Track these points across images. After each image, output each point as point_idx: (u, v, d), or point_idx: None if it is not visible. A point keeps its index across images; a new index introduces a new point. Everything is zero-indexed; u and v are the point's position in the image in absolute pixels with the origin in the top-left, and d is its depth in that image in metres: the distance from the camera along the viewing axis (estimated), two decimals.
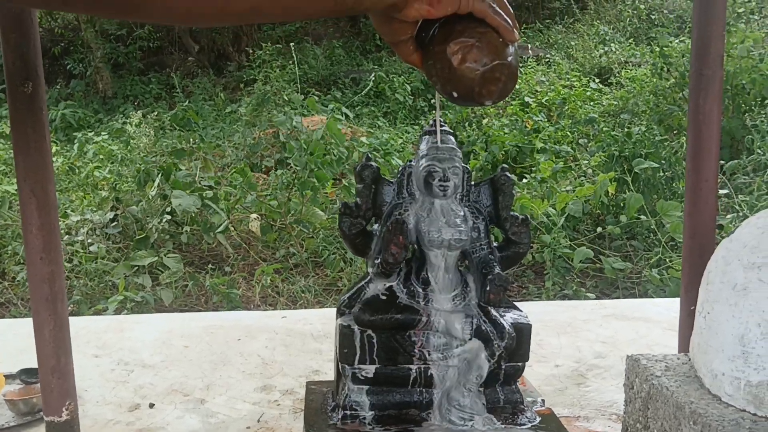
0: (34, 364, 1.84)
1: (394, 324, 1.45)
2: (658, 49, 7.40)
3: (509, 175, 1.55)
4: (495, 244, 1.55)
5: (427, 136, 1.51)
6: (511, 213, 1.55)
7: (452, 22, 0.87)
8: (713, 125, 1.71)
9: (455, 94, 0.90)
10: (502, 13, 0.88)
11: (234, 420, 2.01)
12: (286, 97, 6.82)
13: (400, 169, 1.54)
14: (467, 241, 1.48)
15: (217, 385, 2.24)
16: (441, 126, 1.50)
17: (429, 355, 1.47)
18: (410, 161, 1.54)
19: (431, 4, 0.83)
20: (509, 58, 0.89)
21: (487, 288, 1.42)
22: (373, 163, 1.51)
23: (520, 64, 9.40)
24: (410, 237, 1.47)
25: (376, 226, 1.53)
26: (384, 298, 1.47)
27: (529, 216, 1.64)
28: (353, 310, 1.47)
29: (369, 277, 1.51)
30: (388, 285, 1.48)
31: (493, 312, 1.48)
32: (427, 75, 0.93)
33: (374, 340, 1.46)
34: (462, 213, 1.49)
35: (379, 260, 1.45)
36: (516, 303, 1.66)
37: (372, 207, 1.51)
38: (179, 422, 2.00)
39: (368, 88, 9.03)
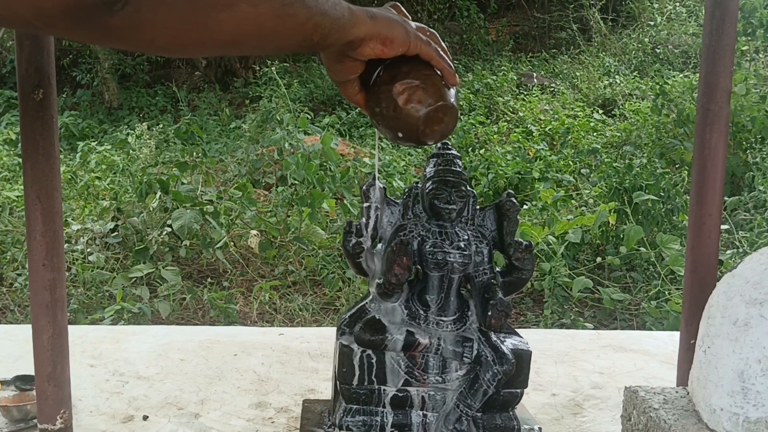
0: (30, 371, 1.83)
1: (394, 345, 1.45)
2: (658, 85, 7.45)
3: (514, 200, 1.56)
4: (498, 269, 1.56)
5: (434, 159, 1.52)
6: (515, 239, 1.55)
7: (398, 63, 0.91)
8: (718, 160, 1.72)
9: (399, 134, 0.94)
10: (446, 57, 0.93)
11: None
12: (278, 118, 6.85)
13: (406, 190, 1.54)
14: (470, 265, 1.48)
15: (211, 399, 2.23)
16: (449, 149, 1.51)
17: (427, 377, 1.46)
18: (417, 183, 1.54)
19: (384, 44, 0.87)
20: (451, 100, 0.93)
21: (489, 313, 1.42)
22: (378, 183, 1.51)
23: (525, 92, 9.49)
24: (414, 258, 1.47)
25: (379, 246, 1.53)
26: (385, 318, 1.47)
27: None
28: (354, 329, 1.47)
29: (371, 297, 1.51)
30: (389, 305, 1.48)
31: (494, 337, 1.48)
32: (370, 114, 0.96)
33: (373, 361, 1.46)
34: (466, 237, 1.49)
35: (381, 281, 1.45)
36: None
37: (376, 227, 1.51)
38: None
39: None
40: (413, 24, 0.91)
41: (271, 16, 0.75)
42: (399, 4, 0.95)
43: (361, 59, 0.89)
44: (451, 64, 0.93)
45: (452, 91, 0.93)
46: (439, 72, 0.93)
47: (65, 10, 0.61)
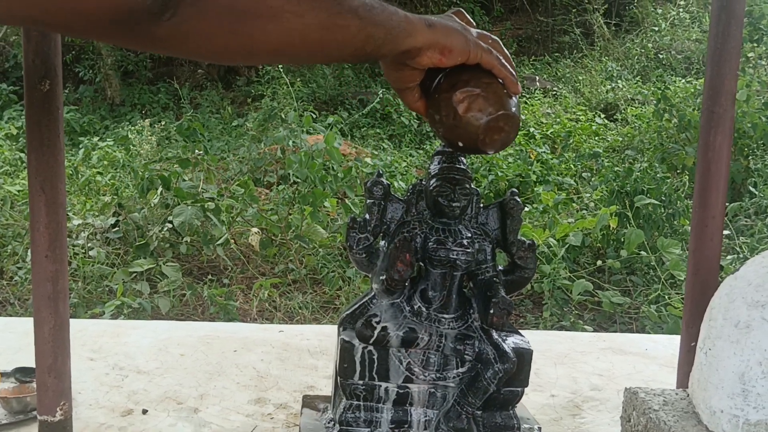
0: (30, 363, 1.84)
1: (396, 341, 1.45)
2: (659, 91, 7.46)
3: (518, 199, 1.56)
4: (500, 267, 1.56)
5: (438, 156, 1.52)
6: (518, 237, 1.55)
7: (458, 71, 0.89)
8: (722, 163, 1.72)
9: (459, 143, 0.93)
10: (508, 66, 0.91)
11: (227, 431, 1.99)
12: (283, 115, 6.85)
13: (410, 187, 1.55)
14: (473, 263, 1.48)
15: (211, 395, 2.23)
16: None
17: (428, 374, 1.46)
18: (421, 180, 1.55)
19: (443, 54, 0.85)
20: (513, 109, 0.91)
21: (491, 311, 1.42)
22: (384, 180, 1.51)
23: (528, 95, 9.50)
24: (416, 255, 1.47)
25: (382, 243, 1.53)
26: (387, 315, 1.47)
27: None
28: (356, 325, 1.47)
29: (373, 293, 1.51)
30: (391, 302, 1.48)
31: (495, 335, 1.48)
32: (430, 122, 0.95)
33: (374, 357, 1.46)
34: (469, 234, 1.49)
35: (384, 277, 1.45)
36: None
37: (380, 223, 1.51)
38: (171, 430, 1.99)
39: (370, 105, 9.07)
40: (475, 31, 0.89)
41: (318, 27, 0.74)
42: (463, 11, 0.93)
43: (419, 68, 0.88)
44: (514, 72, 0.92)
45: (514, 100, 0.91)
46: (500, 80, 0.91)
47: (114, 20, 0.61)
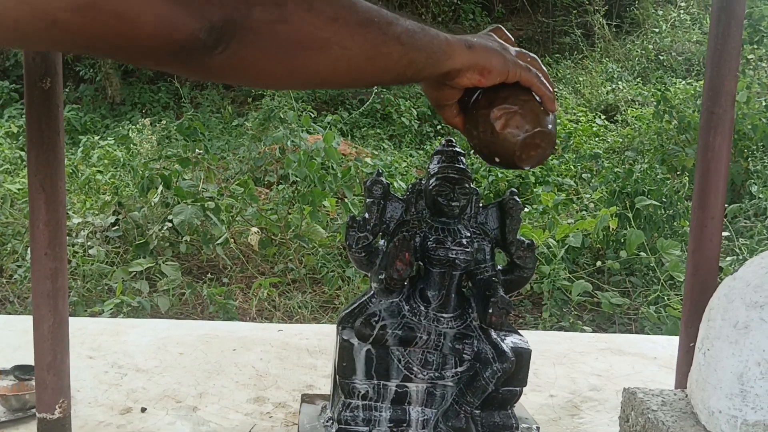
0: (29, 361, 1.83)
1: (395, 340, 1.45)
2: (660, 92, 7.46)
3: (517, 198, 1.56)
4: (499, 267, 1.56)
5: (437, 156, 1.53)
6: (518, 237, 1.56)
7: (496, 88, 0.91)
8: (722, 163, 1.72)
9: (496, 159, 0.94)
10: (546, 84, 0.92)
11: (225, 429, 1.99)
12: (282, 115, 6.85)
13: (410, 186, 1.55)
14: (472, 262, 1.48)
15: (210, 393, 2.23)
16: (453, 146, 1.52)
17: (427, 373, 1.47)
18: (420, 179, 1.55)
19: (482, 75, 0.87)
20: (549, 126, 0.92)
21: (490, 310, 1.42)
22: (383, 179, 1.52)
23: None
24: (416, 254, 1.47)
25: (382, 242, 1.54)
26: (386, 314, 1.47)
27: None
28: (355, 324, 1.47)
29: (372, 292, 1.51)
30: (391, 301, 1.49)
31: (494, 334, 1.48)
32: (468, 137, 0.96)
33: (373, 356, 1.46)
34: (468, 234, 1.50)
35: (383, 276, 1.46)
36: None
37: (379, 222, 1.52)
38: (170, 428, 1.99)
39: (367, 103, 9.07)
40: (514, 50, 0.91)
41: (364, 57, 0.76)
42: (502, 28, 0.95)
43: (458, 88, 0.90)
44: (552, 90, 0.93)
45: (550, 117, 0.93)
46: (538, 98, 0.92)
47: (170, 52, 0.64)
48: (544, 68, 0.94)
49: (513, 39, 0.95)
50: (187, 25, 0.62)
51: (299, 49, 0.71)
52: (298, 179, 5.47)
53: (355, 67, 0.76)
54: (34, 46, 0.64)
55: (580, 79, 10.36)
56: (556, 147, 7.70)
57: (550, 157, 7.05)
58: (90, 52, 0.64)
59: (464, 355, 1.46)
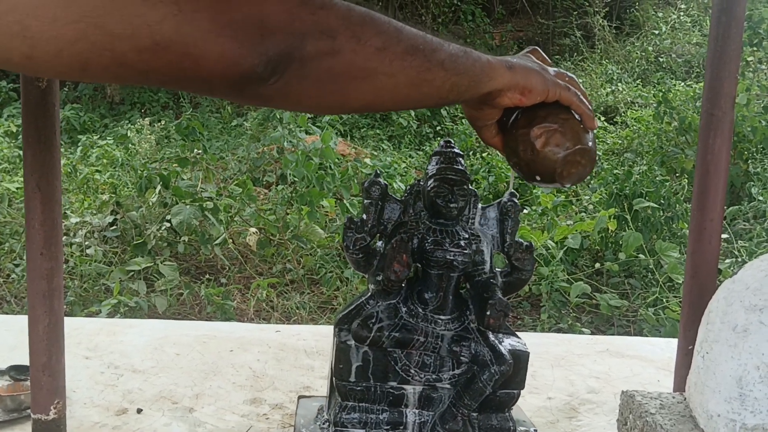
0: (25, 362, 1.82)
1: (392, 342, 1.44)
2: (660, 93, 7.45)
3: (516, 200, 1.55)
4: (497, 269, 1.55)
5: (436, 157, 1.52)
6: (516, 239, 1.55)
7: (535, 107, 0.92)
8: (721, 165, 1.71)
9: (537, 177, 0.94)
10: (586, 102, 0.94)
11: (222, 431, 1.99)
12: (278, 115, 6.84)
13: (408, 187, 1.54)
14: (470, 264, 1.47)
15: (206, 394, 2.23)
16: (452, 147, 1.51)
17: (424, 375, 1.46)
18: (419, 180, 1.54)
19: (523, 94, 0.88)
20: (589, 143, 0.93)
21: (488, 312, 1.41)
22: (381, 180, 1.51)
23: None
24: (413, 256, 1.46)
25: (380, 243, 1.53)
26: (383, 315, 1.46)
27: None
28: (352, 325, 1.46)
29: (369, 294, 1.50)
30: (388, 303, 1.48)
31: (492, 337, 1.47)
32: (507, 157, 0.97)
33: (370, 357, 1.45)
34: (466, 235, 1.49)
35: (381, 277, 1.45)
36: None
37: (377, 223, 1.51)
38: (166, 429, 1.98)
39: None
40: (552, 70, 0.92)
41: (407, 84, 0.78)
42: (539, 49, 0.96)
43: (498, 107, 0.91)
44: (591, 108, 0.94)
45: (590, 135, 0.94)
46: (577, 116, 0.93)
47: (229, 84, 0.68)
48: (582, 87, 0.95)
49: (549, 60, 0.96)
50: (247, 59, 0.66)
51: (347, 79, 0.74)
52: (296, 180, 5.46)
53: (399, 94, 0.79)
54: (100, 81, 0.66)
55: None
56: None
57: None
58: (150, 84, 0.67)
59: (462, 358, 1.45)
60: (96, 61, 0.60)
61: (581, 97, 0.93)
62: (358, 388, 1.46)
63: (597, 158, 0.97)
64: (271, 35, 0.66)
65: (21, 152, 6.19)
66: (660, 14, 11.74)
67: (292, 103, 0.76)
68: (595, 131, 0.95)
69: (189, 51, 0.62)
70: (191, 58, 0.63)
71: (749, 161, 6.16)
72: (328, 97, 0.76)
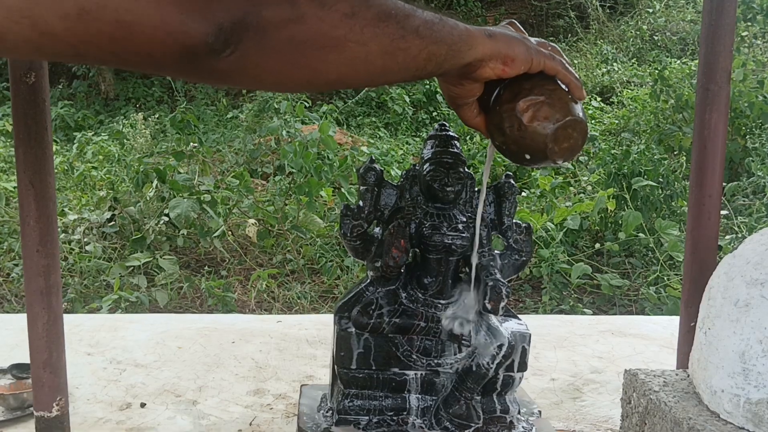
0: (26, 360, 1.82)
1: (393, 328, 1.43)
2: (656, 71, 7.42)
3: (513, 182, 1.54)
4: (496, 251, 1.54)
5: (431, 141, 1.51)
6: (514, 221, 1.54)
7: (519, 81, 0.86)
8: (718, 140, 1.70)
9: (526, 156, 0.88)
10: (572, 71, 0.89)
11: (226, 422, 1.98)
12: (276, 106, 6.80)
13: (404, 173, 1.53)
14: (468, 247, 1.47)
15: (209, 387, 2.22)
16: (447, 131, 1.50)
17: (426, 360, 1.45)
18: (414, 165, 1.53)
19: (506, 64, 0.83)
20: (580, 114, 0.87)
21: (487, 295, 1.41)
22: (376, 166, 1.50)
23: None
24: (411, 241, 1.45)
25: (377, 230, 1.52)
26: (383, 301, 1.45)
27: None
28: (352, 313, 1.46)
29: (369, 281, 1.50)
30: (387, 289, 1.47)
31: (492, 319, 1.47)
32: (491, 137, 0.90)
33: (371, 344, 1.45)
34: (464, 219, 1.48)
35: (379, 263, 1.44)
36: None
37: (374, 210, 1.50)
38: (170, 423, 1.98)
39: (362, 91, 9.04)
40: (533, 40, 0.88)
41: (381, 53, 0.72)
42: (515, 22, 0.91)
43: (480, 81, 0.86)
44: (578, 77, 0.89)
45: (579, 105, 0.88)
46: (564, 86, 0.88)
47: (176, 59, 0.61)
48: (565, 57, 0.90)
49: (526, 34, 0.91)
50: (194, 29, 0.59)
51: (313, 49, 0.68)
52: (294, 170, 5.45)
53: (373, 65, 0.73)
54: (22, 56, 0.60)
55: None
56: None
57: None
58: (82, 60, 0.61)
59: (463, 342, 1.44)
60: (14, 30, 0.53)
61: (567, 65, 0.88)
62: (360, 376, 1.45)
63: (589, 131, 0.92)
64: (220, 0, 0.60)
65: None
66: None
67: (252, 79, 0.70)
68: (583, 101, 0.90)
69: (121, 18, 0.56)
70: (124, 26, 0.56)
71: (747, 137, 6.14)
72: (292, 71, 0.69)
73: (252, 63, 0.66)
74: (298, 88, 0.77)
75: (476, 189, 1.54)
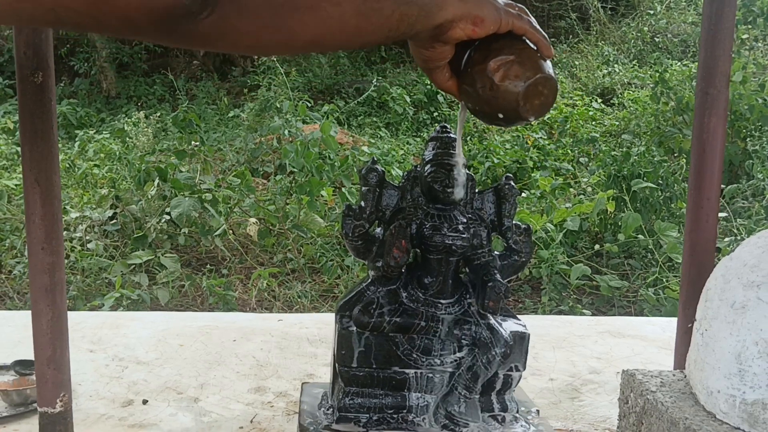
0: (29, 356, 1.84)
1: (393, 327, 1.45)
2: (657, 73, 7.44)
3: (513, 183, 1.56)
4: (496, 252, 1.56)
5: (432, 142, 1.52)
6: (514, 222, 1.56)
7: (488, 42, 0.88)
8: (717, 144, 1.72)
9: (500, 115, 0.90)
10: (540, 30, 0.90)
11: (227, 420, 2.00)
12: (278, 105, 6.82)
13: (405, 173, 1.54)
14: (468, 248, 1.48)
15: (211, 384, 2.24)
16: (448, 132, 1.52)
17: (426, 359, 1.47)
18: (416, 166, 1.54)
19: (475, 24, 0.85)
20: (549, 71, 0.89)
21: (487, 295, 1.42)
22: (378, 167, 1.51)
23: None
24: (412, 241, 1.47)
25: (378, 230, 1.54)
26: (384, 301, 1.47)
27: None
28: (353, 312, 1.47)
29: (370, 280, 1.51)
30: (388, 288, 1.49)
31: (492, 319, 1.48)
32: (465, 99, 0.92)
33: (372, 343, 1.46)
34: (464, 220, 1.49)
35: (381, 263, 1.46)
36: None
37: (375, 210, 1.51)
38: (172, 419, 1.99)
39: (366, 94, 9.05)
40: (501, 0, 0.89)
41: (354, 13, 0.74)
42: None
43: (451, 43, 0.87)
44: (546, 36, 0.91)
45: (548, 63, 0.90)
46: (533, 45, 0.90)
47: (153, 21, 0.62)
48: (532, 17, 0.92)
49: None
50: None
51: (289, 11, 0.70)
52: (295, 169, 5.47)
53: (347, 27, 0.75)
54: (0, 22, 0.60)
55: (576, 62, 10.33)
56: (553, 131, 7.69)
57: (549, 143, 6.97)
58: (60, 25, 0.61)
59: (462, 341, 1.46)
60: None
61: (534, 24, 0.90)
62: (361, 374, 1.47)
63: (559, 88, 0.94)
64: None
65: (19, 149, 6.22)
66: None
67: (230, 43, 0.71)
68: (551, 59, 0.92)
69: None
70: None
71: (747, 139, 6.16)
72: (269, 32, 0.71)
73: (230, 25, 0.67)
74: (275, 51, 0.78)
75: (476, 190, 1.56)
